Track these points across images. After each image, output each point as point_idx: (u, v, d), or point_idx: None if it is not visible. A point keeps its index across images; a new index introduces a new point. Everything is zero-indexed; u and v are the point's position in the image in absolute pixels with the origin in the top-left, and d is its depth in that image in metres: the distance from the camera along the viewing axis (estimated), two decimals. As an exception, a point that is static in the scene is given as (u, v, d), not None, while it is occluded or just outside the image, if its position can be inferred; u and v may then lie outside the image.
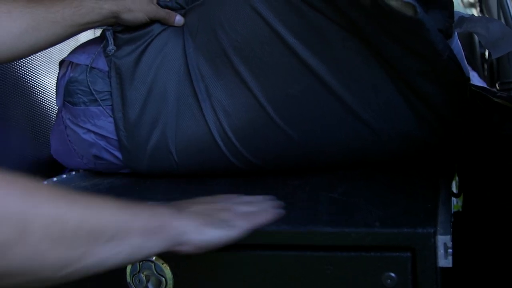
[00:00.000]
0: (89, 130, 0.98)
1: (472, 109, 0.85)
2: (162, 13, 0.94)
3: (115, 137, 0.98)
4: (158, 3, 0.96)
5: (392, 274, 0.63)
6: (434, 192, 0.77)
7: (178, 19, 0.95)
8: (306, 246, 0.66)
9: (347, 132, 0.87)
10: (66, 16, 0.84)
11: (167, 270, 0.71)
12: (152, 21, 0.95)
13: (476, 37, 2.25)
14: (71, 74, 0.98)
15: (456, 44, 0.88)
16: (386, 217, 0.66)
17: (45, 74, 1.22)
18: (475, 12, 2.44)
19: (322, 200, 0.76)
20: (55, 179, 1.02)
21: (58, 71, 1.05)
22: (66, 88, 0.98)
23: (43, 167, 1.16)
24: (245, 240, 0.67)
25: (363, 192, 0.80)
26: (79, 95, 0.97)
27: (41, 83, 1.20)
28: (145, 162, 0.98)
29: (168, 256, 0.70)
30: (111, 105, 0.97)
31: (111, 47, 0.95)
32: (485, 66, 2.43)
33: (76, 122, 0.99)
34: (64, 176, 1.04)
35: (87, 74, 0.96)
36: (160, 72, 0.95)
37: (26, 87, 1.16)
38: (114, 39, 0.95)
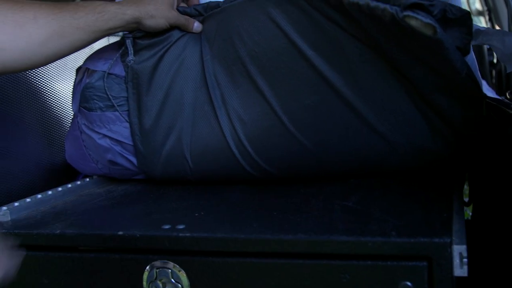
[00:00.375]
0: (105, 135, 0.99)
1: (486, 121, 0.85)
2: (182, 19, 0.95)
3: (130, 142, 0.99)
4: (177, 9, 0.97)
5: (409, 283, 0.63)
6: (448, 201, 0.77)
7: (196, 25, 0.96)
8: (322, 255, 0.66)
9: (362, 144, 0.88)
10: (90, 22, 0.85)
11: (183, 277, 0.71)
12: (171, 27, 0.96)
13: (485, 46, 2.25)
14: (87, 80, 0.99)
15: (471, 56, 0.88)
16: (402, 226, 0.66)
17: (59, 81, 1.23)
18: (483, 20, 2.44)
19: (336, 209, 0.77)
20: (69, 185, 1.02)
21: (72, 78, 1.06)
22: (82, 94, 0.99)
23: (57, 173, 1.16)
24: (262, 248, 0.68)
25: (377, 201, 0.80)
26: (95, 101, 0.98)
27: (55, 89, 1.21)
28: (159, 167, 0.98)
29: (185, 263, 0.71)
30: (127, 110, 0.98)
31: (131, 57, 0.96)
32: (493, 73, 2.42)
33: (91, 128, 1.00)
34: (79, 182, 1.05)
35: (104, 80, 0.97)
36: (177, 79, 0.96)
37: (41, 93, 1.17)
38: (133, 46, 0.96)
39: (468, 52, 0.84)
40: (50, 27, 0.81)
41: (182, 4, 1.00)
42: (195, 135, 0.95)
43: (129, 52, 0.96)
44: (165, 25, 0.94)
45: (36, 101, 1.14)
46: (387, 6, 0.73)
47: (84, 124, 1.01)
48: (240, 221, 0.75)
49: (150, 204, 0.90)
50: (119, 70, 0.98)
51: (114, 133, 0.99)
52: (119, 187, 1.04)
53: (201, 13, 0.98)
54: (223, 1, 0.96)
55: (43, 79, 1.18)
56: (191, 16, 0.98)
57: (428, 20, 0.71)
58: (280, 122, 0.89)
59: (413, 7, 0.72)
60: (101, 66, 0.99)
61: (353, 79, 0.84)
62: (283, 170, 0.93)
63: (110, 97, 0.97)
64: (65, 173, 1.15)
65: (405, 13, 0.72)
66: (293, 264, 0.67)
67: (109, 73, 0.98)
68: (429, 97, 0.81)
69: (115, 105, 0.97)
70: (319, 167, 0.92)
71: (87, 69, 1.01)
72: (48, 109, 1.18)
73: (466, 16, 0.78)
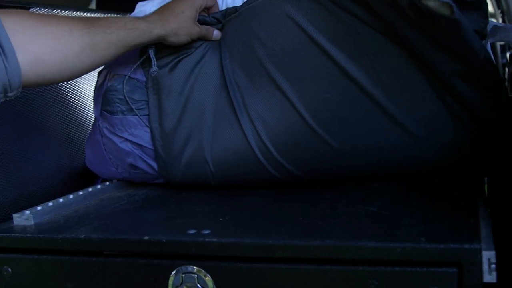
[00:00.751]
0: (126, 139, 1.00)
1: (508, 116, 0.85)
2: (203, 32, 0.98)
3: (151, 147, 0.99)
4: (197, 19, 0.98)
5: (438, 290, 0.63)
6: (473, 206, 0.77)
7: (216, 33, 0.99)
8: (350, 261, 0.66)
9: (385, 137, 0.88)
10: (121, 37, 0.87)
11: (210, 282, 0.71)
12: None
13: (498, 46, 2.24)
14: (109, 83, 1.00)
15: (488, 47, 0.88)
16: (431, 232, 0.66)
17: (82, 84, 1.23)
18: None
19: (362, 214, 0.77)
20: (90, 189, 1.03)
21: (93, 82, 1.06)
22: (104, 97, 1.00)
23: (77, 177, 1.17)
24: (290, 254, 0.68)
25: (402, 206, 0.80)
26: (117, 104, 0.98)
27: (78, 93, 1.22)
28: (180, 172, 0.99)
29: (211, 268, 0.71)
30: (148, 114, 0.98)
31: (155, 68, 0.96)
32: (505, 75, 2.41)
33: (113, 131, 1.00)
34: (99, 186, 1.05)
35: (124, 83, 0.98)
36: (197, 84, 0.96)
37: (63, 97, 1.17)
38: (155, 55, 0.97)
39: (485, 37, 0.84)
40: (84, 40, 0.83)
41: (202, 13, 1.01)
42: (216, 139, 0.95)
43: (153, 63, 0.96)
44: (187, 40, 0.96)
45: (57, 106, 1.14)
46: None
47: (106, 128, 1.01)
48: (266, 226, 0.75)
49: (173, 208, 0.90)
50: (140, 75, 0.99)
51: (135, 137, 0.99)
52: (140, 191, 1.04)
53: (219, 21, 1.00)
54: (241, 5, 0.97)
55: (64, 84, 1.18)
56: (210, 24, 1.00)
57: None
58: (302, 120, 0.89)
59: None
60: (123, 70, 1.00)
61: (373, 70, 0.85)
62: (307, 171, 0.93)
63: (129, 100, 0.97)
64: (84, 177, 1.15)
65: None
66: (321, 270, 0.67)
67: (130, 77, 0.98)
68: (448, 82, 0.82)
69: (135, 109, 0.98)
70: (343, 165, 0.92)
71: (109, 72, 1.01)
72: (69, 114, 1.18)
73: (481, 0, 0.78)
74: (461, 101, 0.83)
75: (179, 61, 0.97)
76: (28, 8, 1.03)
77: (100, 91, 1.02)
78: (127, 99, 0.98)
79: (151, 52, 0.96)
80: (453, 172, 0.93)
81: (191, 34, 0.96)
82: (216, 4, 1.04)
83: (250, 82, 0.93)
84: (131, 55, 1.00)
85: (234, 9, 0.98)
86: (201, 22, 0.98)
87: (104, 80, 1.02)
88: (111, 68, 1.01)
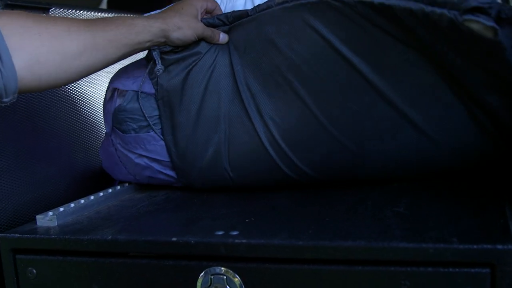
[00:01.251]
0: (141, 155, 0.99)
1: None
2: (208, 31, 0.94)
3: (167, 159, 0.98)
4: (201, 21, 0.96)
5: (471, 290, 0.63)
6: (499, 205, 0.77)
7: (222, 36, 0.95)
8: (382, 261, 0.66)
9: (406, 144, 0.87)
10: (121, 34, 0.84)
11: (239, 283, 0.72)
12: (198, 40, 0.94)
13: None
14: (118, 101, 0.98)
15: None
16: (462, 232, 0.66)
17: (100, 85, 1.23)
18: None
19: (388, 215, 0.76)
20: (110, 190, 1.02)
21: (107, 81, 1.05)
22: (114, 116, 0.98)
23: (94, 178, 1.17)
24: (320, 255, 0.68)
25: (427, 206, 0.80)
26: (128, 123, 0.97)
27: (90, 97, 1.22)
28: (199, 179, 0.98)
29: (240, 269, 0.72)
30: (161, 128, 0.97)
31: (159, 66, 0.93)
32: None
33: (127, 148, 0.99)
34: (118, 187, 1.05)
35: (140, 100, 0.96)
36: (209, 91, 0.94)
37: (83, 97, 1.17)
38: (160, 59, 0.94)
39: None
40: (83, 39, 0.80)
41: (205, 16, 0.99)
42: (232, 145, 0.94)
43: (157, 62, 0.93)
44: (192, 36, 0.92)
45: (76, 106, 1.14)
46: (445, 11, 0.72)
47: (119, 144, 1.00)
48: (293, 227, 0.75)
49: (196, 210, 0.90)
50: (148, 88, 0.96)
51: (150, 152, 0.98)
52: (160, 192, 1.04)
53: (224, 23, 0.96)
54: (251, 10, 0.94)
55: (83, 82, 1.18)
56: (215, 26, 0.96)
57: (490, 23, 0.70)
58: (322, 128, 0.88)
59: (473, 10, 0.71)
60: (131, 85, 0.97)
61: (396, 79, 0.84)
62: (329, 175, 0.93)
63: (148, 118, 0.96)
64: (102, 177, 1.15)
65: (466, 17, 0.71)
66: (352, 271, 0.67)
67: (140, 92, 0.96)
68: (475, 93, 0.80)
69: (151, 124, 0.96)
70: (362, 169, 0.92)
71: (117, 88, 0.99)
72: (84, 114, 1.18)
73: None
74: (487, 110, 0.82)
75: (189, 70, 0.95)
76: (48, 9, 1.02)
77: (109, 108, 1.00)
78: (142, 116, 0.96)
79: (155, 54, 0.93)
80: (474, 172, 0.93)
81: (195, 28, 0.92)
82: (218, 7, 1.01)
83: (265, 89, 0.92)
84: (136, 70, 0.99)
85: (245, 13, 0.94)
86: (206, 25, 0.95)
87: (112, 95, 1.00)
88: (118, 84, 0.99)
